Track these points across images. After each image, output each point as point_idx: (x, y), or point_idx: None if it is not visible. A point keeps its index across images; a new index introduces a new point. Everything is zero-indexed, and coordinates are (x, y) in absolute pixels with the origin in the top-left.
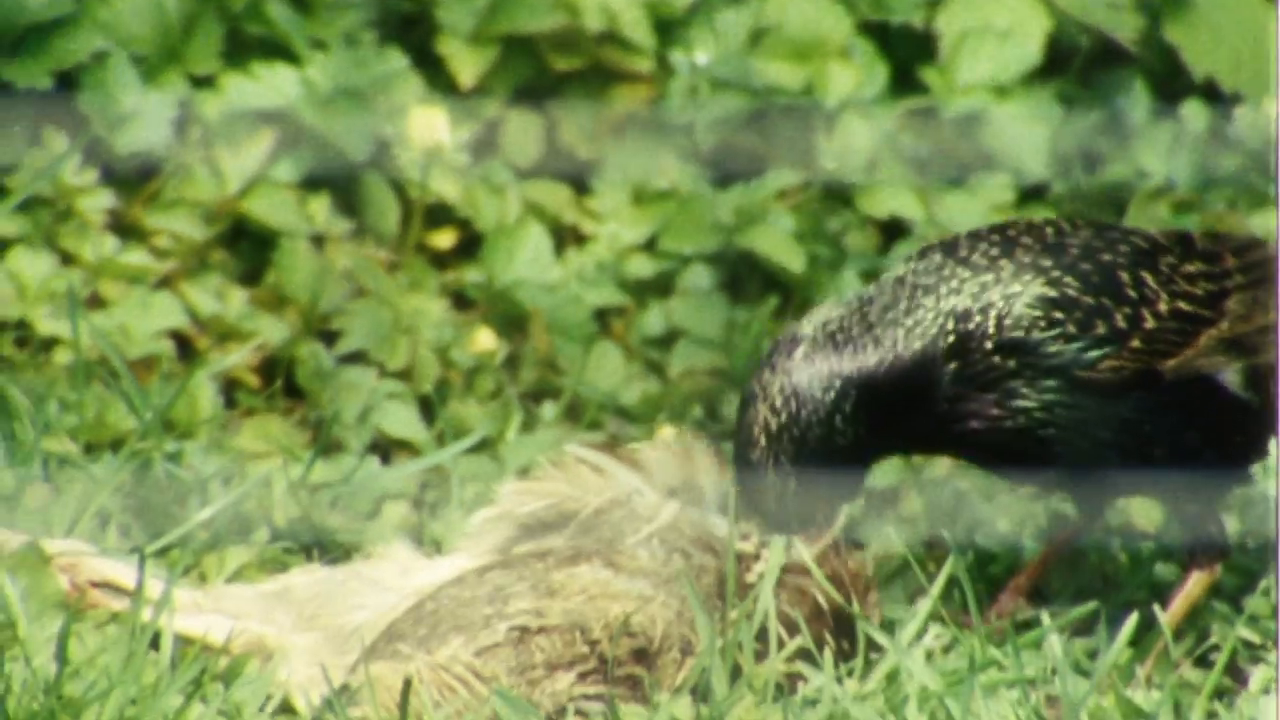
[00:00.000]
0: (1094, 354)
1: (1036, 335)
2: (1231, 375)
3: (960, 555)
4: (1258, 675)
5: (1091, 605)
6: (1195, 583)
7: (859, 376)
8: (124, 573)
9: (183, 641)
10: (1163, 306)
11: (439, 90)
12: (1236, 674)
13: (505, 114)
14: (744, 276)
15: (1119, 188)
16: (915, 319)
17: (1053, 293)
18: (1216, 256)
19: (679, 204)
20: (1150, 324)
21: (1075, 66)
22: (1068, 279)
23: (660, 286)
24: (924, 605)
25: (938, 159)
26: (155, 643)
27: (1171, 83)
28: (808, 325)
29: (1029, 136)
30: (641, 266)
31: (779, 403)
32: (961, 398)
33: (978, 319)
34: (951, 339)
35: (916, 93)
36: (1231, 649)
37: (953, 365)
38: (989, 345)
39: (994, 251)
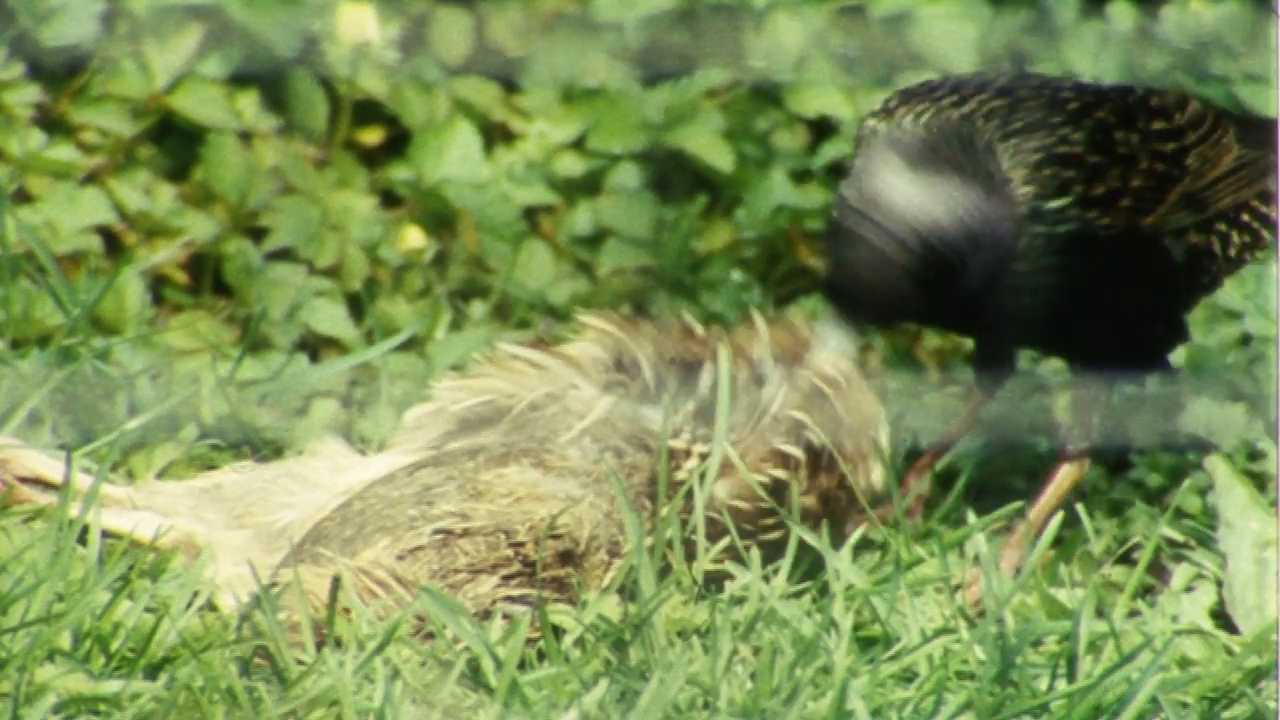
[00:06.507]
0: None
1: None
2: (1173, 243)
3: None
4: (1180, 573)
5: (1016, 505)
6: (1065, 475)
7: None
8: (52, 468)
9: (111, 538)
10: (1143, 165)
11: None
12: (1159, 572)
13: (433, 10)
14: (672, 175)
15: None
16: None
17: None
18: (1169, 113)
19: (608, 102)
20: (1137, 182)
21: None
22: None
23: (589, 185)
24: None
25: (866, 58)
26: (83, 539)
27: None
28: None
29: (957, 35)
30: (570, 165)
31: None
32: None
33: None
34: None
35: None
36: (1155, 547)
37: None
38: None
39: None
